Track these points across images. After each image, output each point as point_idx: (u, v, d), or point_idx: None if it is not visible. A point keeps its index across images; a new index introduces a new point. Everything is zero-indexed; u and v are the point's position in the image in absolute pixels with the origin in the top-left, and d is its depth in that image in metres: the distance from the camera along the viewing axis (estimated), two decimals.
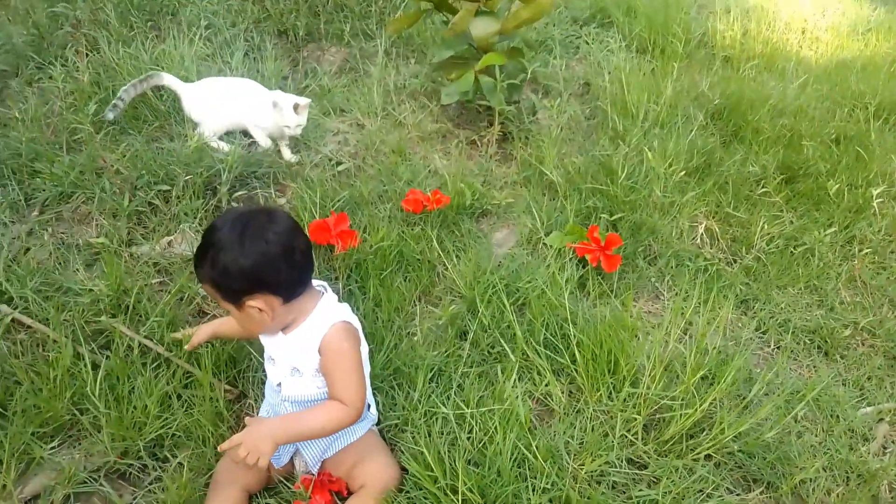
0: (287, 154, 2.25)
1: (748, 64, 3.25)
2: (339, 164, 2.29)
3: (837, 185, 2.38)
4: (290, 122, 2.14)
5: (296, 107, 2.12)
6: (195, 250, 1.29)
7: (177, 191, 1.99)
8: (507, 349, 1.64)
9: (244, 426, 1.29)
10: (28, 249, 1.84)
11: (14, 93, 2.42)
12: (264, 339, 1.40)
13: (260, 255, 1.23)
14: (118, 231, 1.91)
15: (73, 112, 2.23)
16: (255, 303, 1.25)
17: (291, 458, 1.41)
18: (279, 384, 1.38)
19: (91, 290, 1.69)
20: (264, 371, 1.47)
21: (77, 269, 1.80)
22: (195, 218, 1.97)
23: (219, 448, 1.28)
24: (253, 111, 2.20)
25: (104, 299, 1.67)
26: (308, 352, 1.32)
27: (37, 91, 2.41)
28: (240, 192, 2.09)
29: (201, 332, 1.53)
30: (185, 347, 1.53)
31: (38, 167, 2.03)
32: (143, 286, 1.74)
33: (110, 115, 2.17)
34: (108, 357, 1.54)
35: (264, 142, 2.23)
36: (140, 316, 1.66)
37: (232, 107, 2.20)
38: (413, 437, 1.41)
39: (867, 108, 2.89)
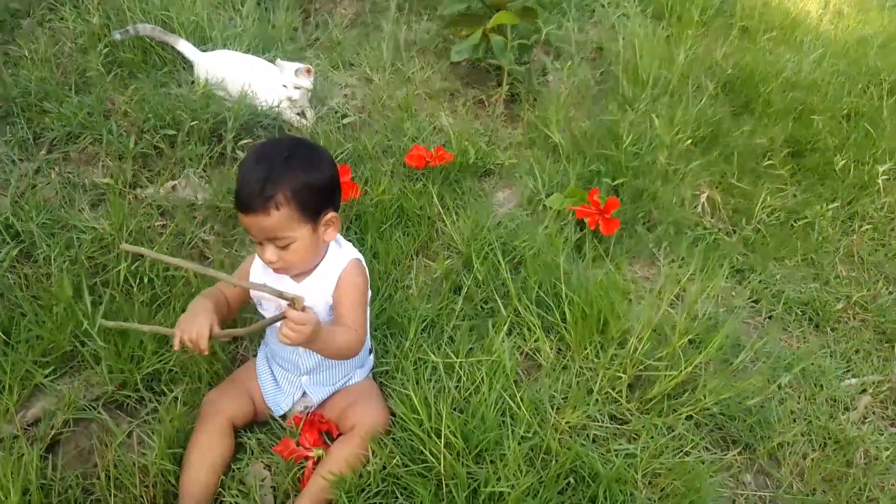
0: (296, 119, 2.23)
1: (766, 35, 3.19)
2: (344, 116, 2.30)
3: (844, 161, 2.37)
4: (291, 83, 2.14)
5: (297, 71, 2.13)
6: (258, 183, 1.20)
7: (182, 136, 2.01)
8: (500, 304, 1.67)
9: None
10: (35, 186, 1.87)
11: (25, 32, 2.42)
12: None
13: (331, 170, 1.33)
14: (124, 173, 1.93)
15: (82, 53, 2.25)
16: (330, 215, 1.31)
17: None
18: None
19: (95, 227, 1.73)
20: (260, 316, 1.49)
21: (82, 209, 1.83)
22: (200, 164, 1.99)
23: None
24: (262, 86, 2.19)
25: (107, 237, 1.70)
26: (325, 293, 1.35)
27: (47, 31, 2.41)
28: (245, 141, 2.10)
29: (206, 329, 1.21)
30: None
31: (46, 106, 2.05)
32: (146, 227, 1.78)
33: (117, 36, 2.23)
34: (108, 294, 1.58)
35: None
36: (141, 255, 1.69)
37: (242, 79, 2.19)
38: (402, 383, 1.45)
39: (882, 84, 2.85)
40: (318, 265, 1.36)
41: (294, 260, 1.30)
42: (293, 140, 1.36)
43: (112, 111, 2.04)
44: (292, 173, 1.24)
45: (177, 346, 1.18)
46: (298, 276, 1.36)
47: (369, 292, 1.43)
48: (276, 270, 1.32)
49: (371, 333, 1.55)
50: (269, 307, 1.39)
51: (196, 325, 1.19)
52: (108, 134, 1.98)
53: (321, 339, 1.21)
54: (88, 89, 2.17)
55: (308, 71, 2.15)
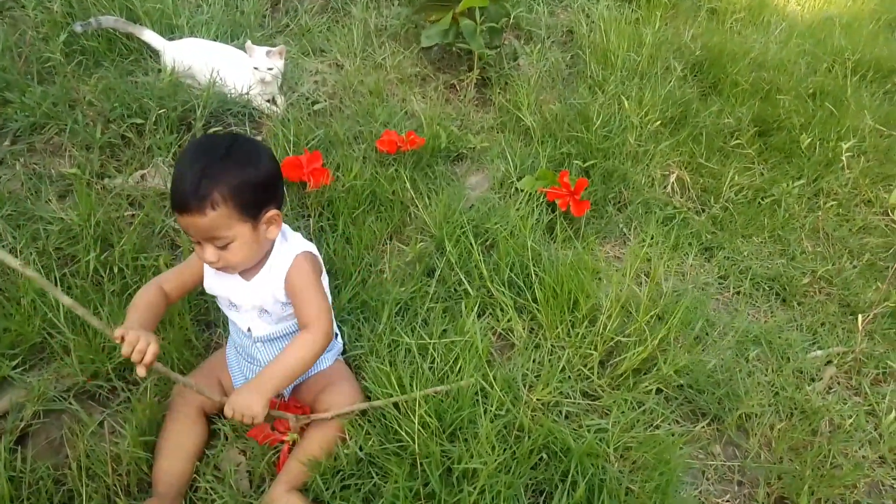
0: (266, 106, 2.21)
1: (733, 17, 3.23)
2: (315, 103, 2.28)
3: (810, 139, 2.41)
4: (263, 66, 2.12)
5: (269, 53, 2.11)
6: (193, 182, 1.17)
7: (150, 124, 1.99)
8: (472, 286, 1.68)
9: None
10: None
11: None
12: (223, 289, 1.37)
13: (271, 166, 1.28)
14: (91, 163, 1.91)
15: (44, 42, 2.20)
16: (272, 213, 1.26)
17: None
18: (248, 329, 1.39)
19: (62, 218, 1.70)
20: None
21: (49, 200, 1.81)
22: (168, 152, 1.97)
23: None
24: (231, 73, 2.16)
25: (75, 228, 1.68)
26: (274, 289, 1.33)
27: (8, 20, 2.36)
28: (215, 129, 2.08)
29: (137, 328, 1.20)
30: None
31: (8, 97, 2.00)
32: (115, 217, 1.76)
33: (78, 28, 2.17)
34: (77, 285, 1.57)
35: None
36: (111, 245, 1.68)
37: (210, 67, 2.16)
38: (376, 366, 1.46)
39: (846, 63, 2.90)
40: (265, 261, 1.34)
41: (234, 260, 1.26)
42: (231, 136, 1.28)
43: (77, 101, 2.00)
44: (229, 170, 1.18)
45: (117, 340, 1.16)
46: (247, 272, 1.34)
47: (325, 277, 1.43)
48: (219, 269, 1.30)
49: (340, 319, 1.55)
50: (223, 303, 1.40)
51: (144, 345, 1.16)
52: (73, 124, 1.95)
53: (277, 381, 1.25)
54: (52, 79, 2.13)
55: (280, 52, 2.13)
